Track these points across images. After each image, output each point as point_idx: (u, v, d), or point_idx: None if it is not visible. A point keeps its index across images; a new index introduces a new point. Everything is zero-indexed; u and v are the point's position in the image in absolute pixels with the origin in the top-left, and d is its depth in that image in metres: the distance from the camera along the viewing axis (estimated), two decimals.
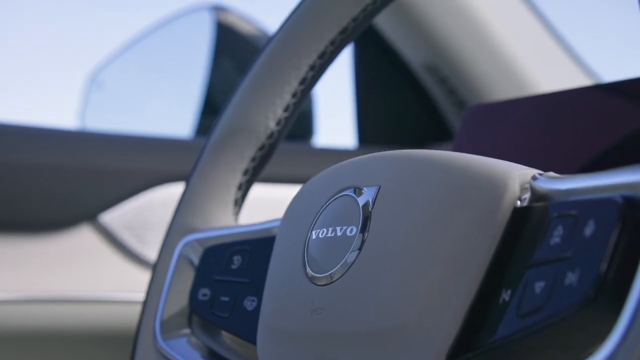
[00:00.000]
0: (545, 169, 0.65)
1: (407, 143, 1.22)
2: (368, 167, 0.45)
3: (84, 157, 1.02)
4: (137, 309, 0.99)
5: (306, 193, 0.50)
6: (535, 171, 0.40)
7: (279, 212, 1.08)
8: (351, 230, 0.43)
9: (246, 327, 0.54)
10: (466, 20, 1.14)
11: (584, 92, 0.63)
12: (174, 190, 1.05)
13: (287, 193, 1.11)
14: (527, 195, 0.39)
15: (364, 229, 0.42)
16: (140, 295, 1.00)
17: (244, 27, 1.54)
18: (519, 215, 0.38)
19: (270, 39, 0.63)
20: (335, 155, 1.17)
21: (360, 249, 0.42)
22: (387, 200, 0.42)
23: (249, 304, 0.54)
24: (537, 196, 0.38)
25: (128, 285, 1.02)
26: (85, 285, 1.00)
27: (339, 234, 0.44)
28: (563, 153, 0.64)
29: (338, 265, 0.43)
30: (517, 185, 0.38)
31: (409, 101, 1.25)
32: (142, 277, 1.02)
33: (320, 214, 0.46)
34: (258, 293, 0.54)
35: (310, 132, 1.26)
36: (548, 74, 1.15)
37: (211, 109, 1.59)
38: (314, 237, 0.45)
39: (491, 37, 1.14)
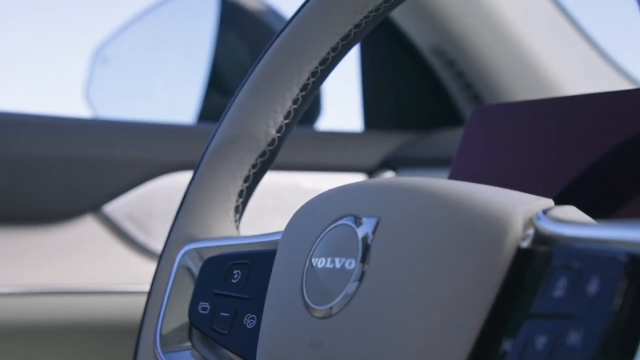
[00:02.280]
0: (550, 174, 0.64)
1: (414, 127, 1.20)
2: (367, 195, 0.44)
3: (86, 147, 1.01)
4: (142, 300, 0.98)
5: (305, 215, 0.48)
6: (539, 205, 0.39)
7: (282, 200, 1.08)
8: (350, 264, 0.42)
9: (245, 345, 0.53)
10: (474, 2, 1.12)
11: (595, 98, 0.62)
12: (178, 180, 1.04)
13: (290, 180, 1.11)
14: (530, 232, 0.37)
15: (363, 262, 0.41)
16: (144, 287, 0.99)
17: (250, 2, 1.52)
18: (522, 257, 0.36)
19: (269, 44, 0.61)
20: (341, 139, 1.16)
21: (358, 285, 0.41)
22: (386, 234, 0.41)
23: (249, 321, 0.54)
24: (541, 237, 0.37)
25: (133, 276, 1.01)
26: (89, 277, 0.99)
27: (337, 265, 0.43)
28: (568, 158, 0.63)
29: (336, 299, 0.42)
30: (520, 224, 0.37)
31: (417, 84, 1.23)
32: (147, 268, 1.02)
33: (319, 241, 0.45)
34: (258, 311, 0.53)
35: (315, 115, 1.24)
36: (559, 58, 1.13)
37: (216, 84, 1.57)
38: (312, 265, 0.44)
39: (499, 19, 1.12)
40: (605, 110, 0.60)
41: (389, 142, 1.15)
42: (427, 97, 1.23)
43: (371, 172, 1.13)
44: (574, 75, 1.13)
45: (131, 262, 1.01)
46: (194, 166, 1.03)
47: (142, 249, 1.02)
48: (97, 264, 1.00)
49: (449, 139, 1.10)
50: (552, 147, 0.64)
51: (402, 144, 1.15)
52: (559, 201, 0.64)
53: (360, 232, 0.42)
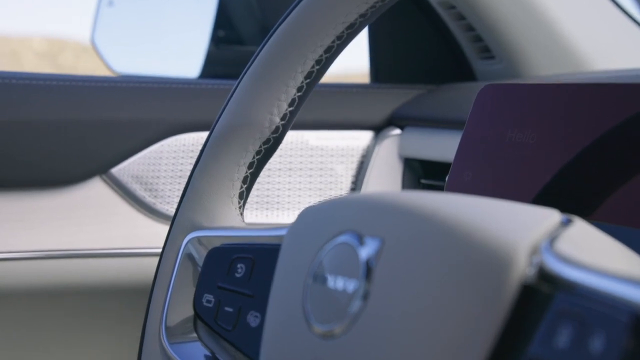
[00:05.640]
0: (551, 158, 0.64)
1: (423, 81, 1.18)
2: (372, 212, 0.44)
3: (93, 110, 1.00)
4: (150, 261, 0.99)
5: (307, 225, 0.48)
6: (544, 230, 0.38)
7: (288, 159, 1.07)
8: (352, 285, 0.42)
9: (250, 343, 0.53)
10: None
11: (602, 88, 0.61)
12: (184, 141, 1.03)
13: (296, 138, 1.10)
14: (536, 261, 0.37)
15: (365, 285, 0.41)
16: (152, 248, 1.00)
17: None
18: (525, 295, 0.36)
19: (273, 31, 0.60)
20: (347, 93, 1.14)
21: (360, 308, 0.41)
22: (389, 259, 0.41)
23: (253, 319, 0.54)
24: (544, 273, 0.36)
25: (140, 237, 1.01)
26: (97, 239, 1.00)
27: (339, 285, 0.43)
28: (570, 143, 0.62)
29: (338, 320, 0.42)
30: (525, 259, 0.37)
31: (426, 37, 1.21)
32: (154, 229, 1.02)
33: (321, 256, 0.45)
34: (261, 309, 0.53)
35: None
36: (575, 15, 1.11)
37: (224, 28, 1.55)
38: (314, 281, 0.44)
39: None
40: (612, 101, 0.59)
41: (397, 97, 1.14)
42: (436, 50, 1.21)
43: (378, 129, 1.12)
44: (585, 30, 1.11)
45: (139, 223, 1.01)
46: (200, 127, 1.04)
47: (149, 210, 1.02)
48: (105, 226, 1.00)
49: (459, 95, 1.09)
50: (557, 131, 0.64)
51: (411, 99, 1.14)
52: (560, 184, 0.63)
53: (363, 253, 0.42)
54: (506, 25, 1.11)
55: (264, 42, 0.61)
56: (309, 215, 0.48)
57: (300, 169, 1.09)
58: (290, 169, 1.08)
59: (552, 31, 1.10)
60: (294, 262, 0.47)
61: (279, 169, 1.08)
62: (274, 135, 0.62)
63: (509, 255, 0.37)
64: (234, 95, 0.62)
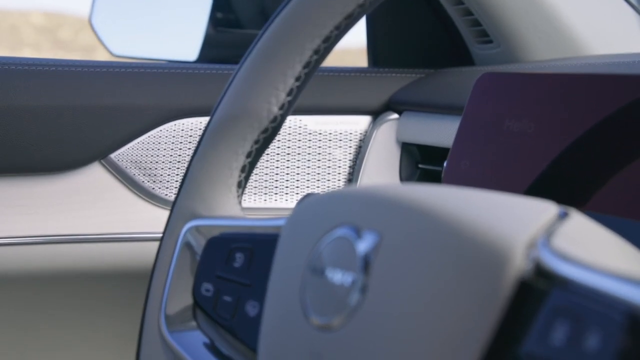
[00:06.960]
0: (549, 148, 0.64)
1: (421, 65, 1.18)
2: (370, 206, 0.44)
3: (92, 95, 1.00)
4: (150, 246, 0.99)
5: (305, 218, 0.48)
6: (541, 225, 0.38)
7: (287, 143, 1.07)
8: (350, 278, 0.42)
9: (248, 333, 0.54)
10: None
11: (600, 79, 0.61)
12: (183, 126, 1.04)
13: (294, 122, 1.10)
14: (533, 255, 0.37)
15: (363, 279, 0.42)
16: (152, 233, 1.01)
17: None
18: (521, 291, 0.36)
19: (270, 21, 0.60)
20: (345, 78, 1.14)
21: (359, 301, 0.41)
22: (387, 254, 0.41)
23: (251, 309, 0.54)
24: (540, 269, 0.37)
25: (140, 222, 1.02)
26: (97, 224, 1.00)
27: (337, 279, 0.43)
28: (568, 133, 0.63)
29: (337, 312, 0.42)
30: (521, 256, 0.37)
31: (425, 22, 1.21)
32: (154, 214, 1.02)
33: (318, 249, 0.45)
34: (260, 298, 0.54)
35: None
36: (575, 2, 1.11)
37: (222, 7, 1.55)
38: (313, 274, 0.45)
39: None
40: (610, 92, 0.60)
41: (395, 81, 1.14)
42: (434, 34, 1.21)
43: (376, 113, 1.12)
44: (584, 15, 1.11)
45: (138, 208, 1.02)
46: (199, 112, 1.04)
47: (148, 195, 1.02)
48: (105, 210, 1.01)
49: (457, 80, 1.09)
50: (555, 121, 0.64)
51: (409, 84, 1.14)
52: (556, 174, 0.64)
53: (361, 246, 0.42)
54: (504, 10, 1.10)
55: (261, 31, 0.61)
56: (307, 207, 0.48)
57: (298, 154, 1.09)
58: (288, 154, 1.09)
59: (551, 16, 1.10)
60: (292, 254, 0.47)
61: (277, 154, 1.08)
62: (272, 125, 0.62)
63: (505, 250, 0.37)
64: (232, 85, 0.62)
